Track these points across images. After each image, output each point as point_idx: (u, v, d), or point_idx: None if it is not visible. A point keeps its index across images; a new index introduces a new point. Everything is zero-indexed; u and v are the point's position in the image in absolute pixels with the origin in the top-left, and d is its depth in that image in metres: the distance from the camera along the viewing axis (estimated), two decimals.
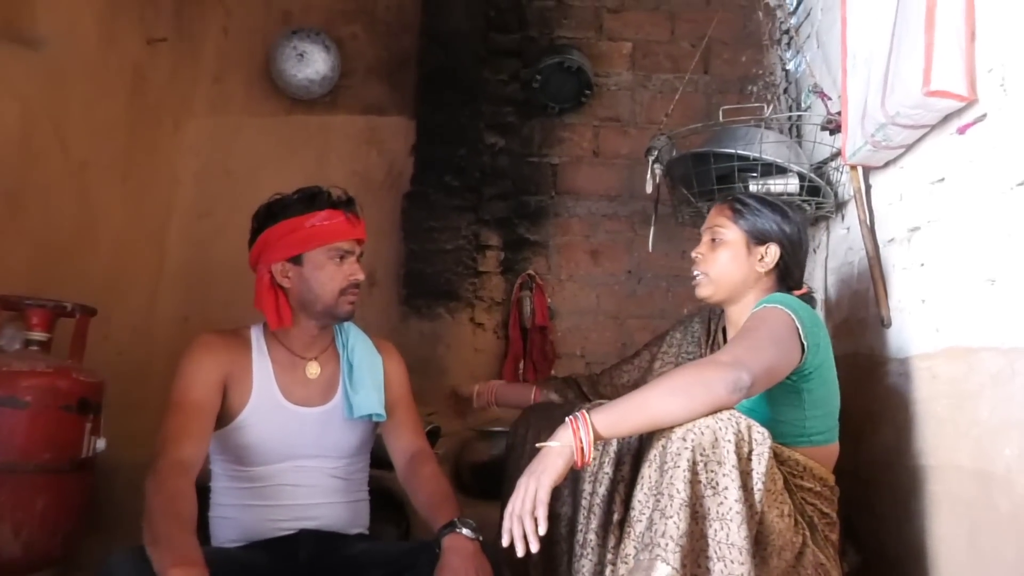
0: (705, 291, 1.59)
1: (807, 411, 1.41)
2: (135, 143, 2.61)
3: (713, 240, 1.58)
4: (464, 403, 1.95)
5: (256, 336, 1.62)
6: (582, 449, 1.20)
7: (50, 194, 2.21)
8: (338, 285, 1.57)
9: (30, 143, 2.13)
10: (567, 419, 1.23)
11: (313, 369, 1.62)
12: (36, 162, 2.16)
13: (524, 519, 1.17)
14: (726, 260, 1.56)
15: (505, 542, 1.20)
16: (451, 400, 1.93)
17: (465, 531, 1.39)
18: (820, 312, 2.20)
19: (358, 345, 1.67)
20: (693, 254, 1.61)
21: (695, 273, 1.60)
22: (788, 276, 1.57)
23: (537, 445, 1.25)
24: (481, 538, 1.41)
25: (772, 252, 1.54)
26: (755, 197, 1.61)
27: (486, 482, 2.27)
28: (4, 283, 1.90)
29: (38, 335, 1.83)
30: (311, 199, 1.59)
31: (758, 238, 1.55)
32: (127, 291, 2.59)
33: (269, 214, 1.61)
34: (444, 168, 2.79)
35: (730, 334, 1.63)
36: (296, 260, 1.57)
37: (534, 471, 1.20)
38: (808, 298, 1.58)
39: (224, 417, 1.55)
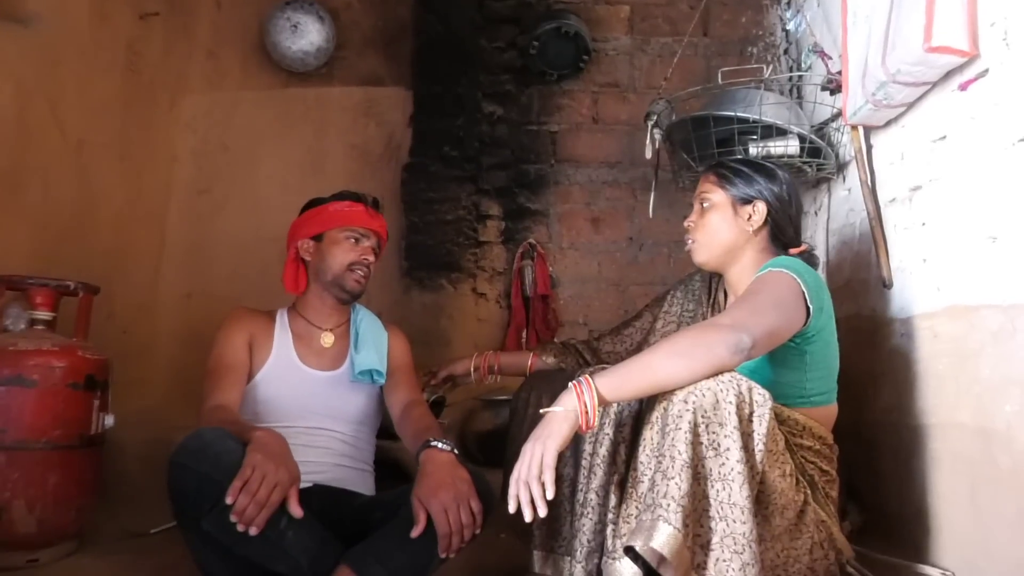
0: (700, 256, 1.60)
1: (808, 373, 1.42)
2: (131, 120, 2.60)
3: (703, 206, 1.59)
4: (461, 380, 1.93)
5: (281, 314, 1.85)
6: (587, 413, 1.21)
7: (48, 174, 2.21)
8: (348, 260, 1.79)
9: (26, 122, 2.12)
10: (571, 384, 1.23)
11: (328, 339, 1.81)
12: (32, 141, 2.15)
13: (531, 484, 1.18)
14: (715, 223, 1.57)
15: (512, 508, 1.20)
16: (447, 382, 1.92)
17: (440, 445, 1.49)
18: (821, 273, 2.20)
19: (366, 319, 1.87)
20: (685, 223, 1.63)
21: (688, 240, 1.61)
22: (781, 233, 1.57)
23: (541, 411, 1.26)
24: (456, 451, 1.50)
25: (759, 210, 1.55)
26: (741, 161, 1.62)
27: (491, 451, 2.29)
28: (6, 264, 1.91)
29: (43, 314, 1.84)
30: (339, 193, 1.84)
31: (744, 198, 1.56)
32: (129, 269, 2.59)
33: (303, 207, 1.86)
34: (443, 139, 2.77)
35: (730, 296, 1.64)
36: (318, 238, 1.81)
37: (539, 436, 1.21)
38: (808, 256, 1.58)
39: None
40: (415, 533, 1.35)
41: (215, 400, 1.61)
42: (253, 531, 1.25)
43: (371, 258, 1.82)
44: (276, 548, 1.31)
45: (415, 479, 1.44)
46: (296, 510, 1.30)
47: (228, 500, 1.24)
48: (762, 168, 1.59)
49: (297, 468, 1.36)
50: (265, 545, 1.30)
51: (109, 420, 1.85)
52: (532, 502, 1.18)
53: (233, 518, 1.24)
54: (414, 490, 1.40)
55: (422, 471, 1.44)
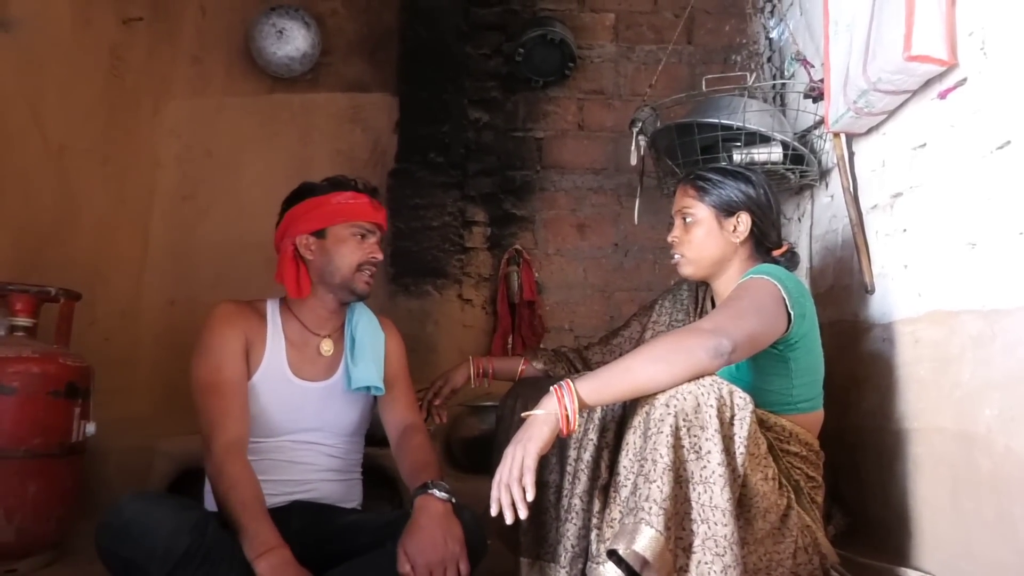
0: (687, 270, 1.61)
1: (793, 380, 1.43)
2: (114, 126, 2.58)
3: (685, 220, 1.59)
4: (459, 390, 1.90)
5: (272, 310, 1.66)
6: (567, 417, 1.21)
7: (29, 179, 2.19)
8: (357, 260, 1.63)
9: (6, 127, 2.11)
10: (551, 388, 1.24)
11: (327, 346, 1.67)
12: (13, 146, 2.13)
13: (512, 487, 1.18)
14: (701, 238, 1.57)
15: (494, 511, 1.20)
16: (447, 395, 1.87)
17: (437, 492, 1.42)
18: (805, 279, 2.21)
19: (362, 321, 1.72)
20: (669, 238, 1.63)
21: (674, 255, 1.61)
22: (765, 239, 1.58)
23: (523, 415, 1.26)
24: (454, 500, 1.44)
25: (744, 221, 1.56)
26: (716, 170, 1.61)
27: (477, 457, 2.29)
28: None
29: (23, 321, 1.82)
30: (338, 182, 1.68)
31: (727, 210, 1.56)
32: (112, 276, 2.57)
33: (297, 193, 1.68)
34: (428, 145, 2.77)
35: (718, 304, 1.64)
36: (320, 234, 1.63)
37: (520, 440, 1.21)
38: (790, 255, 1.59)
39: None
40: None
41: (225, 436, 1.45)
42: None
43: (379, 256, 1.65)
44: None
45: (405, 526, 1.38)
46: None
47: None
48: (740, 175, 1.59)
49: None
50: None
51: (90, 428, 1.83)
52: (513, 505, 1.18)
53: None
54: (402, 540, 1.35)
55: (414, 521, 1.38)
